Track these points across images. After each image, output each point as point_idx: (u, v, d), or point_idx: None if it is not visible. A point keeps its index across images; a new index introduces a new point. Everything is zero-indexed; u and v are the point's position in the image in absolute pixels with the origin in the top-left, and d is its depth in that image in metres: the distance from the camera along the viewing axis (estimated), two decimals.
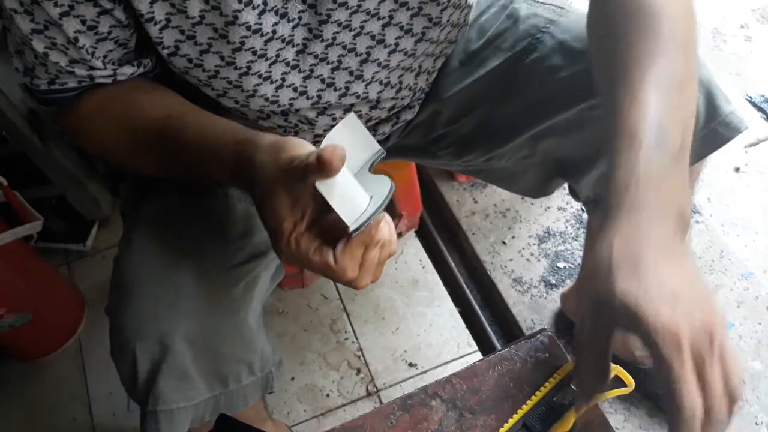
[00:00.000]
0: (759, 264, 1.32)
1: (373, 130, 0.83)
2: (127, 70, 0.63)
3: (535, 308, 1.25)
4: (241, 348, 0.70)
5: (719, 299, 1.25)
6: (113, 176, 1.30)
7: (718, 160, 1.54)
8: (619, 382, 0.60)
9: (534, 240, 1.34)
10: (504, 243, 1.34)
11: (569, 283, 1.25)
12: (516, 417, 0.59)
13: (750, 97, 1.72)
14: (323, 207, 0.49)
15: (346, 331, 1.27)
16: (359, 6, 0.63)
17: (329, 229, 0.50)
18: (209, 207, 0.71)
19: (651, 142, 0.49)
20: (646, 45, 0.55)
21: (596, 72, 0.60)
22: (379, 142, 0.84)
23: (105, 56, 0.60)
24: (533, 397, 0.60)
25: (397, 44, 0.69)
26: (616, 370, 0.61)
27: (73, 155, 1.30)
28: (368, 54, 0.68)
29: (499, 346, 1.23)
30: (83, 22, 0.56)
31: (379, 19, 0.65)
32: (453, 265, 1.34)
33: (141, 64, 0.64)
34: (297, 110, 0.70)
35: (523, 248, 1.33)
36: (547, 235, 1.34)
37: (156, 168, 0.64)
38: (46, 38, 0.57)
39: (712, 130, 0.71)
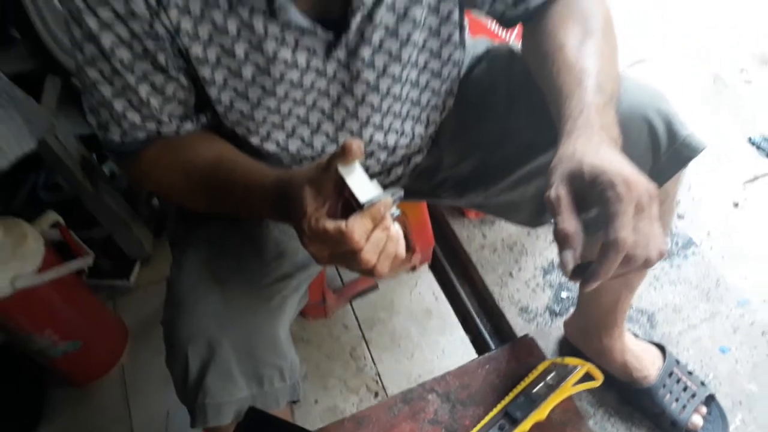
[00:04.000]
0: (756, 293, 1.39)
1: (387, 172, 0.95)
2: (188, 126, 0.76)
3: (540, 335, 1.34)
4: (274, 355, 0.80)
5: (717, 325, 1.33)
6: (155, 219, 1.45)
7: (717, 195, 1.62)
8: (589, 378, 0.69)
9: (539, 272, 1.43)
10: (511, 275, 1.44)
11: (572, 311, 1.34)
12: (499, 407, 0.69)
13: (750, 137, 1.80)
14: (341, 195, 0.59)
15: (364, 358, 1.37)
16: (385, 69, 0.76)
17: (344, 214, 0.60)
18: (248, 235, 0.83)
19: (593, 88, 0.67)
20: (583, 37, 0.74)
21: (544, 63, 0.75)
22: (392, 183, 0.98)
23: (171, 113, 0.73)
24: (514, 390, 0.70)
25: (410, 96, 0.82)
26: (587, 366, 0.71)
27: (120, 200, 1.46)
28: (389, 109, 0.82)
29: None
30: (153, 86, 0.70)
31: (400, 81, 0.79)
32: (464, 295, 1.44)
33: (200, 121, 0.77)
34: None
35: (529, 279, 1.42)
36: (551, 267, 1.43)
37: (208, 205, 0.76)
38: (125, 100, 0.70)
39: (675, 151, 0.80)
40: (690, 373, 1.21)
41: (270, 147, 0.81)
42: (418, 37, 0.77)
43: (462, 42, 0.86)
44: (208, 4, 0.65)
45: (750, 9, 2.21)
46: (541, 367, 0.71)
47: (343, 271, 1.47)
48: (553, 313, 1.36)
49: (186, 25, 0.66)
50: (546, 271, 1.43)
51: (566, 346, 1.30)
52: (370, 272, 0.61)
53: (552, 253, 1.46)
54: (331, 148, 0.82)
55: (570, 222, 0.60)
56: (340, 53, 0.73)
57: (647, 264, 0.60)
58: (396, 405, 0.72)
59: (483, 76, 0.94)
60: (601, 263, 0.58)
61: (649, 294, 1.39)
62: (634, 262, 0.58)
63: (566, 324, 1.29)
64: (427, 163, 0.99)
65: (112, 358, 1.39)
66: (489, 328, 1.39)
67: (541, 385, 0.69)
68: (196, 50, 0.69)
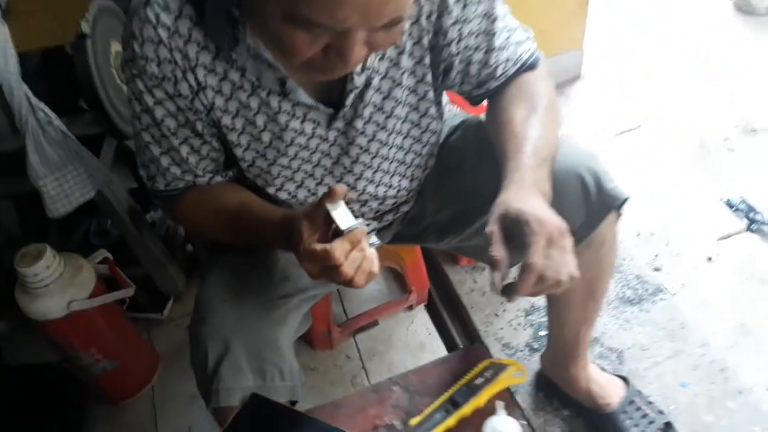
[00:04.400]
0: (718, 336, 1.53)
1: (380, 218, 1.16)
2: (218, 179, 0.98)
3: None
4: (276, 357, 0.99)
5: (680, 362, 1.47)
6: (188, 262, 1.68)
7: (693, 251, 1.78)
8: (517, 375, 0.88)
9: (521, 313, 1.61)
10: (496, 315, 1.62)
11: None
12: (446, 395, 0.87)
13: (729, 200, 1.96)
14: (329, 226, 0.78)
15: (363, 385, 1.54)
16: (374, 135, 0.98)
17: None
18: (260, 262, 1.04)
19: (529, 153, 0.87)
20: (529, 113, 0.94)
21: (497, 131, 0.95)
22: (384, 228, 1.18)
23: (204, 168, 0.95)
24: (458, 382, 0.88)
25: (395, 157, 1.04)
26: (517, 366, 0.89)
27: (159, 244, 1.69)
28: (378, 166, 1.03)
29: None
30: (192, 148, 0.92)
31: (387, 145, 1.00)
32: (454, 333, 1.60)
33: (227, 175, 0.99)
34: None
35: (512, 319, 1.60)
36: (532, 308, 1.60)
37: (232, 238, 0.98)
38: (169, 157, 0.93)
39: (602, 200, 0.99)
40: (650, 402, 1.36)
41: (282, 195, 1.03)
42: (401, 111, 0.98)
43: (439, 114, 1.07)
44: (235, 86, 0.87)
45: (736, 83, 2.42)
46: (481, 365, 0.89)
47: (348, 308, 1.67)
48: (532, 349, 1.53)
49: (219, 102, 0.88)
50: (527, 312, 1.60)
51: (542, 377, 1.46)
52: (349, 283, 0.79)
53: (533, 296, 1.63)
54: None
55: (499, 251, 0.79)
56: (339, 124, 0.95)
57: (559, 284, 0.79)
58: (367, 394, 0.90)
59: (458, 142, 1.14)
60: (520, 281, 0.77)
61: (619, 334, 1.55)
62: (547, 282, 0.77)
63: (541, 357, 1.45)
64: (414, 211, 1.20)
65: (144, 379, 1.60)
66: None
67: (480, 379, 0.87)
68: (226, 121, 0.91)
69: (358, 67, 0.87)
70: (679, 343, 1.51)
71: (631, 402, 1.34)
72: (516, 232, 0.79)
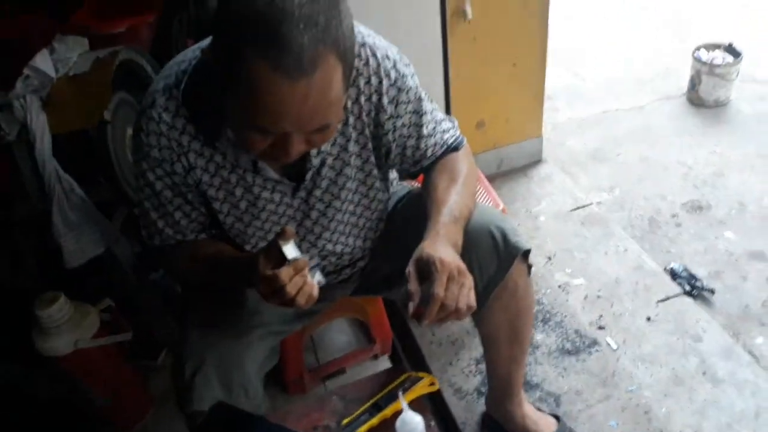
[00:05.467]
0: (645, 383, 1.72)
1: (339, 272, 1.39)
2: (203, 236, 1.21)
3: (468, 409, 1.69)
4: (242, 377, 1.20)
5: (610, 405, 1.66)
6: (180, 314, 1.91)
7: (635, 311, 1.99)
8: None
9: (473, 361, 1.81)
10: (451, 363, 1.82)
11: None
12: (371, 401, 1.09)
13: (672, 268, 2.18)
14: (280, 261, 0.99)
15: None
16: (330, 203, 1.22)
17: None
18: (230, 299, 1.27)
19: (445, 213, 1.10)
20: (449, 184, 1.18)
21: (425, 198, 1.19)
22: (344, 280, 1.41)
23: (192, 229, 1.19)
24: (382, 392, 1.10)
25: (349, 221, 1.28)
26: (429, 378, 1.11)
27: (158, 299, 1.94)
28: (335, 228, 1.27)
29: None
30: (183, 213, 1.17)
31: (341, 211, 1.25)
32: None
33: (211, 233, 1.23)
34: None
35: (465, 367, 1.80)
36: (482, 358, 1.80)
37: (210, 279, 1.20)
38: (164, 221, 1.17)
39: (508, 250, 1.22)
40: None
41: (255, 250, 1.28)
42: (351, 184, 1.23)
43: (385, 188, 1.32)
44: (218, 166, 1.12)
45: (685, 166, 2.70)
46: (402, 378, 1.11)
47: (319, 356, 1.88)
48: (480, 393, 1.72)
49: (205, 178, 1.13)
50: (478, 361, 1.80)
51: (486, 417, 1.64)
52: (292, 302, 0.98)
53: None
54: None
55: (413, 286, 1.02)
56: (302, 194, 1.20)
57: (458, 312, 1.00)
58: (311, 402, 1.12)
59: (403, 208, 1.40)
60: (427, 309, 1.00)
61: (557, 381, 1.74)
62: (448, 309, 0.99)
63: (485, 399, 1.65)
64: (369, 266, 1.43)
65: (137, 417, 1.79)
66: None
67: (400, 389, 1.09)
68: (211, 192, 1.15)
69: (314, 151, 1.13)
70: (610, 388, 1.70)
71: None
72: (426, 273, 1.02)
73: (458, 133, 1.29)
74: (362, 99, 1.13)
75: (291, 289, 0.97)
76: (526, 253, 1.25)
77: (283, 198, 1.18)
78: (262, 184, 1.15)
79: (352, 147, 1.17)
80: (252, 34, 0.85)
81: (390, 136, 1.19)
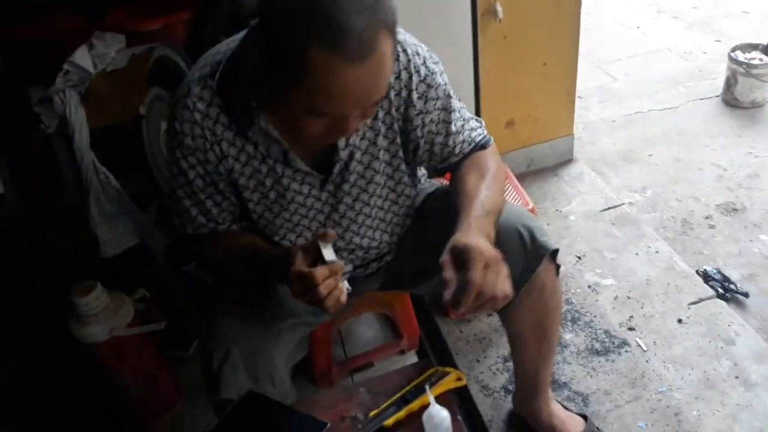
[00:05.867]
0: (675, 385, 1.70)
1: (366, 266, 1.41)
2: (234, 227, 1.24)
3: (495, 407, 1.69)
4: (269, 366, 1.21)
5: (638, 406, 1.64)
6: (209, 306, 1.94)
7: (665, 312, 1.96)
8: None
9: (500, 359, 1.81)
10: (478, 361, 1.82)
11: None
12: (398, 395, 1.10)
13: (705, 270, 2.15)
14: (316, 261, 1.01)
15: None
16: (358, 197, 1.24)
17: None
18: (261, 289, 1.29)
19: (477, 207, 1.10)
20: (479, 179, 1.18)
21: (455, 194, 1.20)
22: (371, 274, 1.42)
23: (224, 218, 1.21)
24: (409, 385, 1.10)
25: (377, 215, 1.29)
26: (456, 372, 1.12)
27: (189, 290, 1.97)
28: (363, 222, 1.29)
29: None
30: (214, 202, 1.19)
31: (369, 205, 1.26)
32: None
33: (241, 224, 1.25)
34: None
35: (492, 365, 1.80)
36: (509, 356, 1.79)
37: (242, 274, 1.23)
38: (197, 209, 1.19)
39: (537, 249, 1.23)
40: None
41: (285, 243, 1.29)
42: (379, 179, 1.24)
43: (413, 184, 1.32)
44: (250, 156, 1.14)
45: (719, 167, 2.65)
46: (428, 372, 1.11)
47: (347, 350, 1.89)
48: (507, 391, 1.72)
49: (237, 167, 1.15)
50: (505, 359, 1.80)
51: (513, 414, 1.64)
52: (321, 303, 1.01)
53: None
54: None
55: (449, 274, 1.01)
56: (330, 187, 1.21)
57: (495, 301, 1.00)
58: (339, 393, 1.13)
59: (432, 204, 1.40)
60: (464, 296, 0.99)
61: (585, 380, 1.72)
62: (484, 297, 0.99)
63: (512, 396, 1.64)
64: (396, 261, 1.44)
65: (168, 406, 1.83)
66: (457, 401, 1.74)
67: (427, 383, 1.09)
68: (242, 181, 1.18)
69: (342, 143, 1.15)
70: (639, 390, 1.68)
71: None
72: (462, 261, 1.01)
73: (485, 132, 1.30)
74: (392, 94, 1.14)
75: (323, 289, 0.99)
76: (555, 253, 1.25)
77: (312, 190, 1.20)
78: (291, 175, 1.17)
79: (381, 141, 1.19)
80: (310, 27, 0.86)
81: (418, 132, 1.20)
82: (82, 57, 1.68)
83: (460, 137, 1.25)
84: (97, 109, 1.70)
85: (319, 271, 0.99)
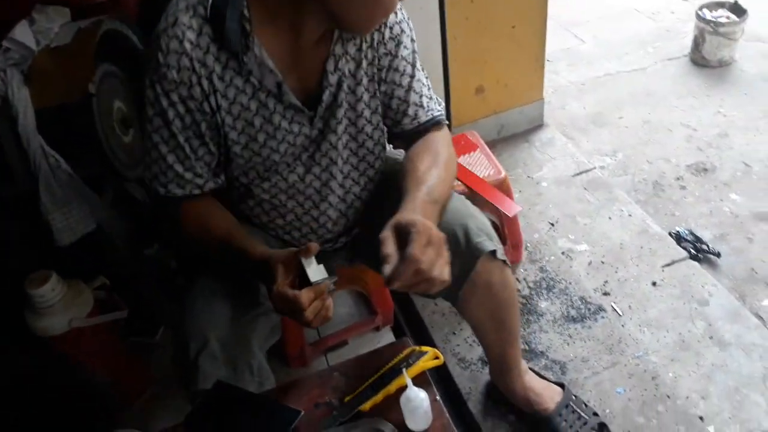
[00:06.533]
0: (652, 348, 1.69)
1: (335, 240, 1.36)
2: (211, 184, 1.17)
3: (472, 379, 1.67)
4: (247, 354, 1.16)
5: (616, 372, 1.63)
6: (178, 292, 1.87)
7: (639, 275, 1.95)
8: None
9: None
10: (454, 333, 1.79)
11: None
12: (374, 377, 1.05)
13: (677, 231, 2.15)
14: (300, 277, 0.97)
15: None
16: (341, 136, 1.19)
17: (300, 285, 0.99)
18: (235, 276, 1.23)
19: (424, 191, 1.08)
20: (430, 165, 1.14)
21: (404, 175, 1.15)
22: (339, 248, 1.37)
23: (201, 169, 1.14)
24: (386, 366, 1.06)
25: (349, 160, 1.25)
26: (433, 351, 1.07)
27: (153, 277, 1.90)
28: (339, 164, 1.23)
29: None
30: (192, 148, 1.11)
31: (346, 147, 1.22)
32: None
33: (218, 182, 1.19)
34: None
35: (468, 336, 1.77)
36: None
37: (218, 256, 1.16)
38: (174, 155, 1.12)
39: (471, 251, 1.20)
40: (585, 405, 1.51)
41: (265, 184, 1.22)
42: (362, 121, 1.20)
43: (383, 135, 1.28)
44: (238, 90, 1.08)
45: (689, 128, 2.64)
46: (405, 352, 1.07)
47: (320, 329, 1.85)
48: (485, 363, 1.69)
49: (224, 104, 1.09)
50: None
51: (491, 387, 1.62)
52: (307, 325, 0.99)
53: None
54: (300, 185, 1.23)
55: (389, 248, 0.96)
56: (319, 123, 1.17)
57: (432, 282, 0.95)
58: (312, 379, 1.08)
59: (393, 179, 1.32)
60: (399, 269, 0.94)
61: (562, 348, 1.71)
62: (422, 275, 0.94)
63: (489, 369, 1.62)
64: (362, 235, 1.39)
65: (136, 394, 1.77)
66: (434, 375, 1.71)
67: (404, 364, 1.05)
68: (229, 120, 1.11)
69: (332, 66, 1.12)
70: (617, 355, 1.67)
71: (567, 406, 1.49)
72: (404, 238, 0.96)
73: (443, 112, 1.28)
74: (375, 33, 1.15)
75: (310, 314, 0.96)
76: (494, 252, 1.23)
77: (302, 129, 1.16)
78: (282, 112, 1.12)
79: (364, 78, 1.17)
80: None
81: (384, 74, 1.19)
82: (22, 33, 1.57)
83: (419, 99, 1.23)
84: (41, 88, 1.60)
85: (305, 295, 0.96)
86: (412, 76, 1.21)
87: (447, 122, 1.29)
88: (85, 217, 1.60)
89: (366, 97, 1.20)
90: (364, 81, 1.18)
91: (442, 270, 0.96)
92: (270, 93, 1.10)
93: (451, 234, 1.17)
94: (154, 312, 1.91)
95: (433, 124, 1.25)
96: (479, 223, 1.23)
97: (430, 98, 1.26)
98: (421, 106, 1.23)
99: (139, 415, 1.75)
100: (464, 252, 1.20)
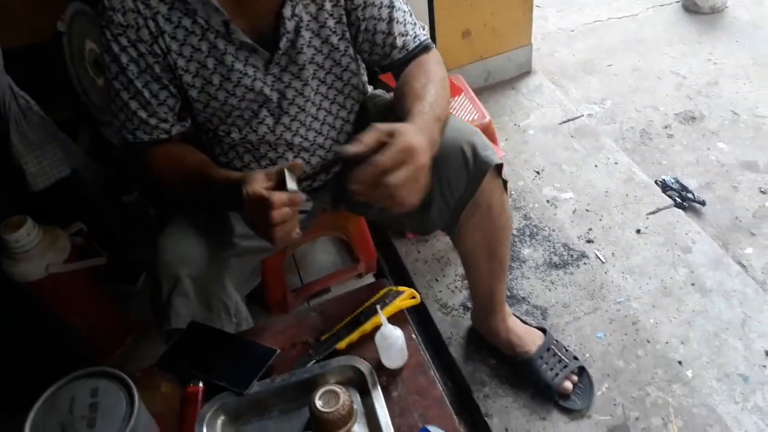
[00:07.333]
0: (633, 295, 1.70)
1: (313, 178, 1.32)
2: (178, 128, 1.15)
3: (454, 324, 1.67)
4: (222, 293, 1.15)
5: (597, 317, 1.64)
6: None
7: (624, 223, 1.94)
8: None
9: (458, 278, 1.77)
10: (437, 280, 1.78)
11: None
12: (352, 316, 1.04)
13: (663, 179, 2.14)
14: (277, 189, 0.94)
15: None
16: (307, 81, 1.15)
17: None
18: (209, 217, 1.20)
19: (426, 105, 1.04)
20: (426, 83, 1.11)
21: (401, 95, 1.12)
22: (319, 187, 1.34)
23: (165, 114, 1.11)
24: (363, 306, 1.05)
25: (322, 105, 1.22)
26: (410, 291, 1.06)
27: (132, 224, 1.87)
28: (309, 111, 1.19)
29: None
30: (152, 92, 1.09)
31: (315, 91, 1.18)
32: None
33: (184, 126, 1.16)
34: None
35: (450, 283, 1.77)
36: None
37: (192, 195, 1.14)
38: (136, 101, 1.09)
39: (479, 165, 1.16)
40: (566, 350, 1.52)
41: (234, 135, 1.19)
42: (326, 62, 1.17)
43: (359, 72, 1.25)
44: (187, 31, 1.05)
45: (679, 76, 2.60)
46: (382, 292, 1.06)
47: (303, 276, 1.84)
48: (466, 308, 1.69)
49: (174, 46, 1.06)
50: (463, 277, 1.76)
51: (472, 332, 1.62)
52: (271, 231, 0.93)
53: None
54: (271, 137, 1.20)
55: (357, 147, 0.90)
56: (275, 69, 1.13)
57: (394, 198, 0.89)
58: (290, 319, 1.08)
59: (377, 116, 1.28)
60: (360, 170, 0.89)
61: (544, 294, 1.71)
62: (385, 188, 0.88)
63: (471, 314, 1.62)
64: (343, 175, 1.35)
65: (118, 341, 1.76)
66: (416, 320, 1.72)
67: (381, 303, 1.04)
68: (181, 63, 1.08)
69: (288, 11, 1.07)
70: (598, 301, 1.68)
71: (548, 349, 1.50)
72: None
73: (428, 36, 1.24)
74: None
75: (277, 215, 0.92)
76: (499, 168, 1.19)
77: (257, 72, 1.12)
78: (234, 53, 1.09)
79: (328, 20, 1.13)
80: None
81: (360, 12, 1.15)
82: None
83: (403, 28, 1.20)
84: (9, 27, 1.54)
85: (277, 195, 0.93)
86: (391, 6, 1.16)
87: (432, 44, 1.24)
88: (59, 162, 1.56)
89: (334, 39, 1.15)
90: (330, 23, 1.13)
91: (409, 191, 0.90)
92: (219, 33, 1.06)
93: (458, 150, 1.14)
94: (134, 259, 1.89)
95: (422, 49, 1.21)
96: (484, 140, 1.19)
97: (414, 24, 1.21)
98: (407, 34, 1.19)
99: (121, 362, 1.75)
100: (472, 167, 1.15)
